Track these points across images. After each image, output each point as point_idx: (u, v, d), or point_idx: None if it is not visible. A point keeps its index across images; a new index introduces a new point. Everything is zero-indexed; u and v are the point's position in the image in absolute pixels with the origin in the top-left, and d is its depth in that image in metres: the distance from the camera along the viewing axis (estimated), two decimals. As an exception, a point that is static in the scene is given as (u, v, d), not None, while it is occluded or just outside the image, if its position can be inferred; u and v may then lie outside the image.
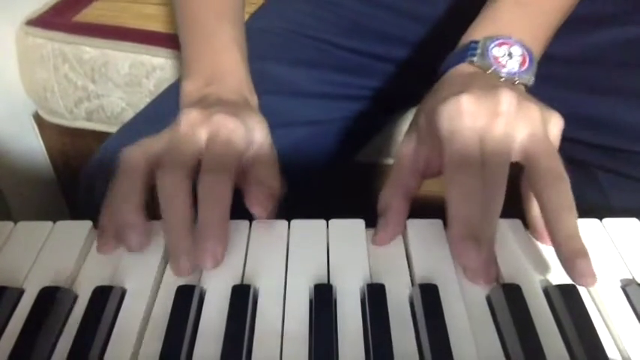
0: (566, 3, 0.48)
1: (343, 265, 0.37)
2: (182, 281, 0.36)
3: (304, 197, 0.53)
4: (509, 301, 0.33)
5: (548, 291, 0.35)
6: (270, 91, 0.54)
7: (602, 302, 0.35)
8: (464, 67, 0.43)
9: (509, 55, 0.43)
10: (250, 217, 0.40)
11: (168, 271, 0.37)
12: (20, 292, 0.36)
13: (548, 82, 0.45)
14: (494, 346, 0.32)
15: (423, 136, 0.41)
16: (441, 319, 0.32)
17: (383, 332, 0.32)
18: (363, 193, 0.71)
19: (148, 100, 0.76)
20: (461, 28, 0.47)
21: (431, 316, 0.32)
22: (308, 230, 0.39)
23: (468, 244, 0.35)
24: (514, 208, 0.40)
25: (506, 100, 0.38)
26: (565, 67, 0.55)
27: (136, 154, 0.41)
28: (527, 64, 0.43)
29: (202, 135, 0.41)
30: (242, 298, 0.34)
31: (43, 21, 0.82)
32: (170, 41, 0.75)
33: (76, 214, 0.71)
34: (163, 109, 0.54)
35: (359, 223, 0.40)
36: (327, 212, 0.41)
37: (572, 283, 0.34)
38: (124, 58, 0.77)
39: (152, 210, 0.39)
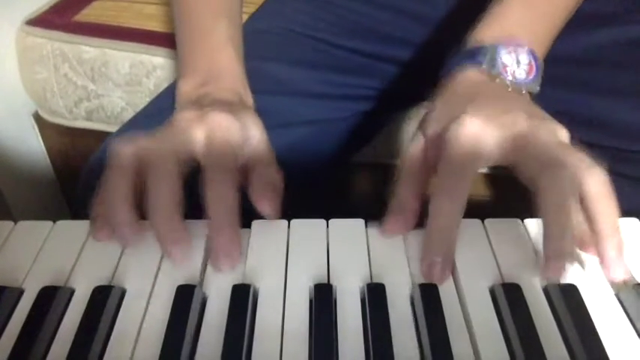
0: (571, 5, 0.48)
1: (343, 264, 0.37)
2: (182, 281, 0.36)
3: (304, 197, 0.53)
4: (510, 301, 0.33)
5: (548, 290, 0.35)
6: (269, 91, 0.54)
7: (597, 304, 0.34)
8: (471, 75, 0.43)
9: (517, 62, 0.43)
10: (250, 218, 0.40)
11: (169, 271, 0.37)
12: (20, 292, 0.36)
13: (548, 82, 0.45)
14: (495, 346, 0.32)
15: (431, 145, 0.41)
16: (441, 319, 0.32)
17: (383, 332, 0.32)
18: (363, 193, 0.71)
19: (147, 99, 0.76)
20: (462, 28, 0.47)
21: (431, 316, 0.32)
22: (308, 230, 0.39)
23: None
24: (514, 208, 0.40)
25: (517, 122, 0.38)
26: (565, 67, 0.55)
27: (127, 148, 0.40)
28: (534, 73, 0.43)
29: (197, 133, 0.41)
30: (242, 298, 0.34)
31: (43, 21, 0.81)
32: (170, 41, 0.75)
33: (76, 214, 0.71)
34: (164, 108, 0.54)
35: (359, 223, 0.40)
36: (327, 212, 0.41)
37: (572, 283, 0.34)
38: (123, 57, 0.77)
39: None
